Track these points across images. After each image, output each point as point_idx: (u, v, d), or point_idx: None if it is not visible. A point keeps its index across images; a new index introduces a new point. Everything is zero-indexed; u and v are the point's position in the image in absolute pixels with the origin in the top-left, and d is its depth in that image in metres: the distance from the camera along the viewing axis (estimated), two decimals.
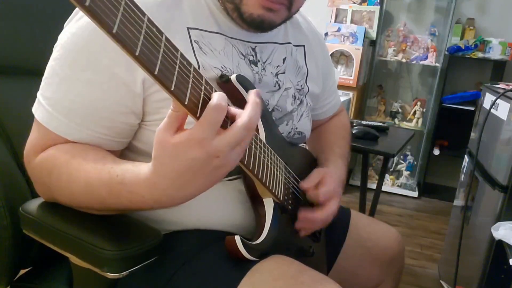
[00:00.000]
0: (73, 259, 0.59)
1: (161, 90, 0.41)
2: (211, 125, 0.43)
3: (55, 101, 0.57)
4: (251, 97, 0.48)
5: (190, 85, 0.43)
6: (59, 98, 0.57)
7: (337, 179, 0.76)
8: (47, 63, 0.59)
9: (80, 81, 0.57)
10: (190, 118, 0.44)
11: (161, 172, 0.45)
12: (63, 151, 0.57)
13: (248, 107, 0.46)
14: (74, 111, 0.57)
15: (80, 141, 0.58)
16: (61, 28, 0.60)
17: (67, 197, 0.57)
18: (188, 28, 0.63)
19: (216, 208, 0.68)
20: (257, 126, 0.65)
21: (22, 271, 0.74)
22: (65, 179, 0.55)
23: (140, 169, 0.48)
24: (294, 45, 0.78)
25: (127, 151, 0.65)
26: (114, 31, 0.35)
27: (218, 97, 0.44)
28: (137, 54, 0.37)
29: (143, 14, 0.38)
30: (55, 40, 0.60)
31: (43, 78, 0.59)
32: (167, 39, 0.41)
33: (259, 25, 0.64)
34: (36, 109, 0.59)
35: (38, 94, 0.60)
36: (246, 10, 0.62)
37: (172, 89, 0.41)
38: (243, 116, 0.46)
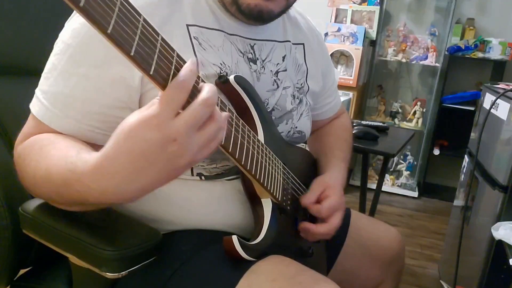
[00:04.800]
0: (73, 259, 0.59)
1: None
2: (170, 104, 0.39)
3: (52, 95, 0.57)
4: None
5: None
6: (56, 92, 0.57)
7: (339, 188, 0.74)
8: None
9: (78, 76, 0.57)
10: None
11: (111, 155, 0.41)
12: (42, 137, 0.56)
13: (205, 86, 0.42)
14: (70, 105, 0.57)
15: (74, 135, 0.58)
16: (61, 28, 0.61)
17: (33, 185, 0.55)
18: (188, 25, 0.63)
19: (215, 208, 0.68)
20: (255, 127, 0.65)
21: (22, 271, 0.74)
22: (33, 165, 0.53)
23: (90, 156, 0.44)
24: (293, 43, 0.78)
25: None
26: (108, 31, 0.35)
27: (183, 74, 0.40)
28: (132, 54, 0.37)
29: (139, 14, 0.39)
30: (55, 40, 0.60)
31: (43, 73, 0.59)
32: (163, 39, 0.41)
33: (258, 15, 0.63)
34: (32, 104, 0.60)
35: (36, 89, 0.60)
36: (243, 0, 0.62)
37: None
38: (202, 92, 0.41)
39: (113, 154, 0.41)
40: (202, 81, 0.46)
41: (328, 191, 0.72)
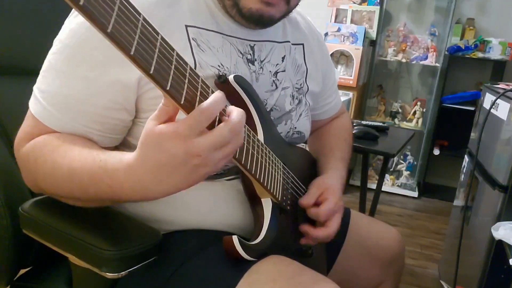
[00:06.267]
0: (73, 259, 0.59)
1: (156, 88, 0.42)
2: (195, 125, 0.42)
3: (50, 95, 0.58)
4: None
5: (186, 85, 0.43)
6: (53, 92, 0.58)
7: (338, 189, 0.74)
8: None
9: (75, 77, 0.57)
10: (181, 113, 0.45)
11: (142, 160, 0.45)
12: (51, 138, 0.57)
13: (234, 111, 0.47)
14: (67, 105, 0.57)
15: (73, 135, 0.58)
16: (61, 28, 0.61)
17: (50, 184, 0.57)
18: (187, 26, 0.63)
19: (215, 208, 0.68)
20: (255, 126, 0.65)
21: (22, 271, 0.74)
22: (50, 166, 0.55)
23: (123, 156, 0.48)
24: (293, 44, 0.78)
25: (122, 147, 0.66)
26: (108, 30, 0.35)
27: (212, 100, 0.43)
28: (132, 53, 0.37)
29: (139, 13, 0.39)
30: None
31: (41, 71, 0.60)
32: (162, 39, 0.41)
33: (259, 20, 0.64)
34: (31, 103, 0.60)
35: (34, 87, 0.60)
36: (244, 5, 0.62)
37: (168, 88, 0.41)
38: (229, 119, 0.45)
39: (143, 159, 0.45)
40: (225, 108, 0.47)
41: (326, 193, 0.72)
